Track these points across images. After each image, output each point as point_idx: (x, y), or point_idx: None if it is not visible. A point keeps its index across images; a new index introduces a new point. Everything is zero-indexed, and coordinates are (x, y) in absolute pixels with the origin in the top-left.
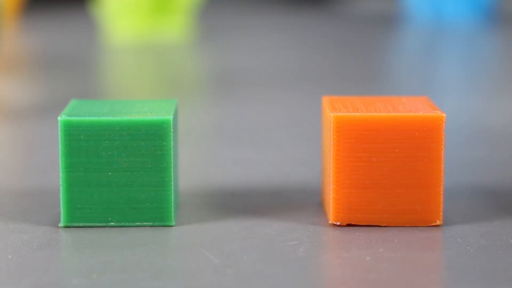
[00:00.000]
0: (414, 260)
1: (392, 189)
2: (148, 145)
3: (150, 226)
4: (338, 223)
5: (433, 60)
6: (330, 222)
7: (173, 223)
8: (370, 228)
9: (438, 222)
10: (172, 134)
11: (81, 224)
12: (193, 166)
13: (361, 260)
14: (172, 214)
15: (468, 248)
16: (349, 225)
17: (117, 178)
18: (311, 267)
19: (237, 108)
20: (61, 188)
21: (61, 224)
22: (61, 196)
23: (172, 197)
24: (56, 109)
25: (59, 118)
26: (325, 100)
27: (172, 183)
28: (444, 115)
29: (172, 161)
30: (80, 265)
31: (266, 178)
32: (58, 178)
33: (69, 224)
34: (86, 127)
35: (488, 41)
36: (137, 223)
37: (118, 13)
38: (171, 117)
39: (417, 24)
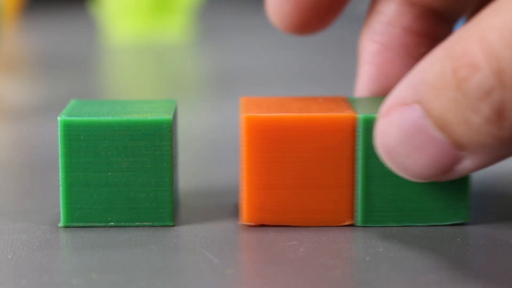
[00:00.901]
0: (414, 260)
1: (304, 189)
2: (147, 145)
3: (150, 226)
4: (251, 224)
5: None
6: (242, 222)
7: (173, 223)
8: (370, 228)
9: (350, 222)
10: (171, 134)
11: (80, 224)
12: (193, 166)
13: (361, 260)
14: (172, 214)
15: (468, 248)
16: (262, 225)
17: (116, 178)
18: (311, 267)
19: (237, 108)
20: (60, 188)
21: (60, 224)
22: (60, 196)
23: (172, 197)
24: (56, 109)
25: (58, 118)
26: (242, 100)
27: (171, 183)
28: (355, 115)
29: (171, 161)
30: (80, 265)
31: None
32: (58, 178)
33: (68, 224)
34: (85, 127)
35: None
36: (136, 223)
37: (118, 13)
38: (170, 117)
39: None
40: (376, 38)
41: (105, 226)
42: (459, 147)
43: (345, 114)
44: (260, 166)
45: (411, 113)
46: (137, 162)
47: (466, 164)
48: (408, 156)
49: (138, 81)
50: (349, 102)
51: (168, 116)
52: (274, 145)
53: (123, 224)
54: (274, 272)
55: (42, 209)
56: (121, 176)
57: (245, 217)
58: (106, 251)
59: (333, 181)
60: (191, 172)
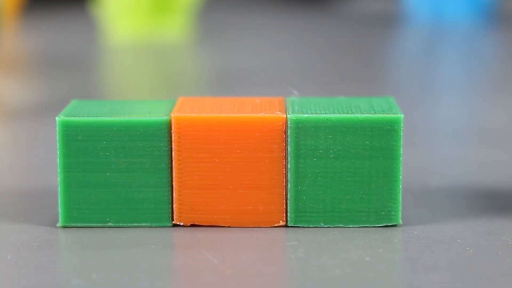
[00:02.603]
0: (414, 260)
1: (234, 190)
2: (146, 146)
3: (148, 226)
4: (181, 224)
5: (432, 60)
6: (173, 222)
7: (171, 224)
8: (369, 228)
9: (281, 223)
10: (169, 135)
11: (79, 225)
12: None
13: (361, 260)
14: (170, 214)
15: (468, 248)
16: (193, 225)
17: (115, 178)
18: (311, 267)
19: None
20: (59, 188)
21: (59, 224)
22: (59, 196)
23: (170, 198)
24: (56, 109)
25: (57, 118)
26: (179, 100)
27: (169, 183)
28: (284, 116)
29: (169, 161)
30: (80, 265)
31: None
32: (57, 179)
33: (67, 224)
34: (84, 127)
35: (488, 41)
36: (134, 224)
37: (118, 13)
38: (168, 118)
39: (417, 24)
40: None
41: (103, 227)
42: None
43: (274, 115)
44: (190, 166)
45: None
46: (135, 163)
47: None
48: None
49: (138, 81)
50: (286, 103)
51: (166, 117)
52: (205, 145)
53: (121, 224)
54: (274, 272)
55: (42, 209)
56: (119, 176)
57: (176, 216)
58: (106, 251)
59: (263, 182)
60: None
